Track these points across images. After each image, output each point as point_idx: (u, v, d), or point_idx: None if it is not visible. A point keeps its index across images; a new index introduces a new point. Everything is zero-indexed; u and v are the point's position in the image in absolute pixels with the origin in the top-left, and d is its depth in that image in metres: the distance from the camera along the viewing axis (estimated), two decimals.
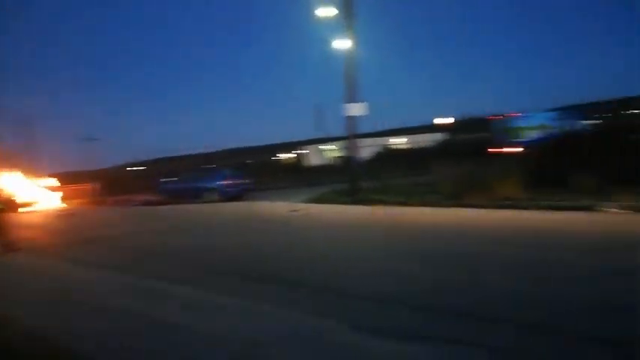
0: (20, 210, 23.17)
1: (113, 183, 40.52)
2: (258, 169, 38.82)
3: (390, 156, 40.58)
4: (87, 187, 31.83)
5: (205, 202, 17.74)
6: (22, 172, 26.04)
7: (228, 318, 4.12)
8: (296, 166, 51.08)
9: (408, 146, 47.63)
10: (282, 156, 74.74)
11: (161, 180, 20.65)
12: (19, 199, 24.06)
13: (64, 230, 11.99)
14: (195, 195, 18.48)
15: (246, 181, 19.26)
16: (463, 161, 13.34)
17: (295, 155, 74.49)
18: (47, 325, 4.21)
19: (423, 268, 5.35)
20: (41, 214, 20.78)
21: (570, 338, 3.17)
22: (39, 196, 24.76)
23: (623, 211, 7.91)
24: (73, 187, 32.19)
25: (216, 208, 15.32)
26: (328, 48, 14.65)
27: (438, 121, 60.70)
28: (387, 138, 57.56)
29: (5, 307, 4.94)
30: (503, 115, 32.66)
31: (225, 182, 18.14)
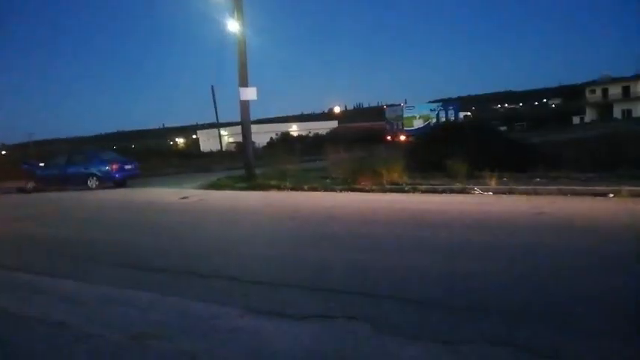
0: None
1: None
2: (147, 154, 36.60)
3: (286, 142, 40.92)
4: None
5: (86, 189, 16.35)
6: None
7: (112, 310, 3.91)
8: (189, 152, 49.18)
9: (304, 133, 48.39)
10: (179, 140, 71.57)
11: (37, 165, 18.47)
12: None
13: None
14: (75, 181, 16.93)
15: (132, 166, 18.06)
16: (354, 148, 13.98)
17: (187, 140, 71.70)
18: None
19: (314, 251, 5.54)
20: None
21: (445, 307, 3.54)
22: None
23: (488, 193, 8.94)
24: None
25: (98, 195, 14.22)
26: (223, 30, 14.31)
27: (332, 109, 62.66)
28: (283, 124, 57.97)
29: None
30: (391, 106, 34.77)
31: (108, 167, 16.82)
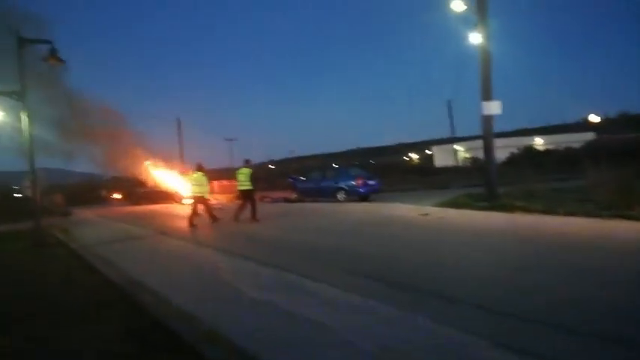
0: (183, 202, 26.69)
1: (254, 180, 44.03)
2: (383, 170, 38.66)
3: (529, 157, 37.32)
4: (231, 183, 35.07)
5: (335, 201, 18.21)
6: (173, 168, 29.79)
7: (364, 320, 4.14)
8: (423, 167, 49.86)
9: (552, 147, 43.14)
10: (413, 156, 73.66)
11: (298, 178, 21.68)
12: (181, 193, 27.90)
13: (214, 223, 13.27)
14: (326, 194, 19.09)
15: (375, 182, 19.30)
16: (621, 164, 11.60)
17: (421, 156, 72.84)
18: (197, 310, 4.69)
19: (579, 287, 4.76)
20: None
21: None
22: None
23: None
24: (218, 182, 35.78)
25: (346, 208, 15.62)
26: (462, 44, 14.04)
27: (588, 118, 54.21)
28: (525, 138, 53.11)
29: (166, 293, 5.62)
30: None
31: (355, 182, 18.40)
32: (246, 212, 13.12)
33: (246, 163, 13.73)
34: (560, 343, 3.41)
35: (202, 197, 13.58)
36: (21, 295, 6.28)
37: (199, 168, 13.76)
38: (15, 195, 33.38)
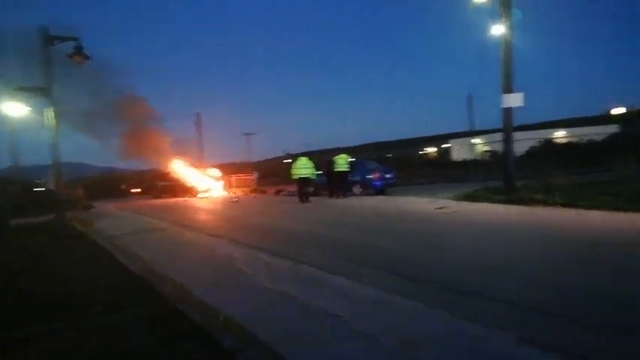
0: (199, 196, 27.00)
1: (269, 174, 44.52)
2: (399, 163, 38.36)
3: (549, 151, 36.62)
4: (248, 177, 35.44)
5: (352, 195, 18.12)
6: (192, 163, 30.16)
7: (382, 313, 4.12)
8: (440, 161, 49.31)
9: (574, 140, 42.15)
10: (429, 150, 72.90)
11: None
12: (198, 188, 28.30)
13: (231, 216, 13.40)
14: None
15: (391, 175, 19.13)
16: None
17: (438, 149, 72.06)
18: (213, 299, 4.73)
19: (595, 280, 4.67)
20: (213, 201, 23.68)
21: None
22: (210, 184, 28.56)
23: None
24: (236, 176, 36.10)
25: (362, 202, 15.55)
26: (482, 36, 13.79)
27: (613, 111, 52.88)
28: (547, 130, 52.09)
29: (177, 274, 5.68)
30: None
31: (371, 176, 18.26)
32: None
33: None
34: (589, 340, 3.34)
35: (308, 179, 17.02)
36: (46, 286, 6.42)
37: (304, 154, 17.70)
38: (35, 189, 34.04)
